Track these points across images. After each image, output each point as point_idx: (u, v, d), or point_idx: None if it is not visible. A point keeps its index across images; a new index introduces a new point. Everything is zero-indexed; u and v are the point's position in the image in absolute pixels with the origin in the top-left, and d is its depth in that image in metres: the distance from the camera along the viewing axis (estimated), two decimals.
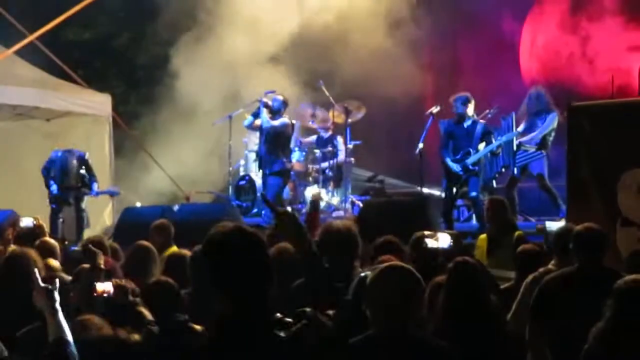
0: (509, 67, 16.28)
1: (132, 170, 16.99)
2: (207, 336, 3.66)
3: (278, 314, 3.23)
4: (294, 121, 13.83)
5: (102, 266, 5.35)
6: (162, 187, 16.37)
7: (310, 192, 14.39)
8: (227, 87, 15.89)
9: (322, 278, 3.63)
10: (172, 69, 16.46)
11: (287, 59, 15.79)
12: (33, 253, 5.90)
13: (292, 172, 13.65)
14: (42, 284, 3.72)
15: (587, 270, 5.71)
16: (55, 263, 6.71)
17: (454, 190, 11.79)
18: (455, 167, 11.61)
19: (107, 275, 5.34)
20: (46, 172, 13.74)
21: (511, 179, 12.35)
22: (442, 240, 6.51)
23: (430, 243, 6.51)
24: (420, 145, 12.34)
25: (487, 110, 12.83)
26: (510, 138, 12.05)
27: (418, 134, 12.76)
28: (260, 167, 13.33)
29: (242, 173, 15.07)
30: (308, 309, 3.27)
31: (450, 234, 6.71)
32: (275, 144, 12.95)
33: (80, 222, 13.79)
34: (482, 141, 11.70)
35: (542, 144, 12.21)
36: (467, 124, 11.78)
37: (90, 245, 5.72)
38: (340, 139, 14.90)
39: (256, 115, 13.27)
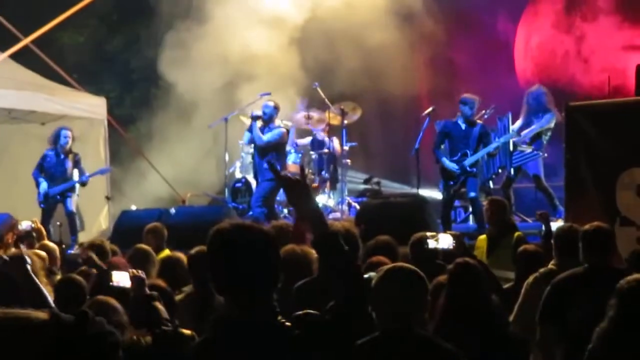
0: (503, 67, 16.30)
1: (128, 174, 16.97)
2: (199, 339, 3.53)
3: (280, 317, 3.16)
4: (289, 125, 13.76)
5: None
6: (158, 190, 16.35)
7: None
8: (223, 88, 15.88)
9: (340, 259, 3.24)
10: (166, 71, 16.44)
11: (282, 57, 15.78)
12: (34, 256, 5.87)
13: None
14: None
15: (597, 269, 5.70)
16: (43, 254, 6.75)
17: (452, 191, 11.79)
18: (452, 166, 11.59)
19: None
20: (38, 171, 13.58)
21: (507, 178, 12.36)
22: (443, 241, 6.50)
23: (431, 244, 6.50)
24: (417, 146, 12.35)
25: (484, 111, 12.84)
26: (508, 140, 12.05)
27: (413, 135, 12.76)
28: (255, 176, 13.25)
29: (238, 175, 15.04)
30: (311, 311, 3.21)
31: (452, 235, 6.69)
32: (269, 153, 12.85)
33: (73, 225, 13.58)
34: (479, 142, 11.67)
35: (536, 142, 12.23)
36: (464, 125, 11.76)
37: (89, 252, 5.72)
38: (336, 141, 14.87)
39: (251, 130, 13.13)
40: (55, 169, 13.56)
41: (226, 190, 14.63)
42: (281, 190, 13.75)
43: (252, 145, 13.36)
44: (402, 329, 3.93)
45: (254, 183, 13.99)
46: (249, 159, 14.60)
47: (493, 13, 16.18)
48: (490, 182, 12.59)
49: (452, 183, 11.73)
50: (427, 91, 16.59)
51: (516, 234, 8.38)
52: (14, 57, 14.56)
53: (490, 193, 12.07)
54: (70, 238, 13.35)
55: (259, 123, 12.97)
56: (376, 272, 4.29)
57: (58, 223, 13.48)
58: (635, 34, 15.16)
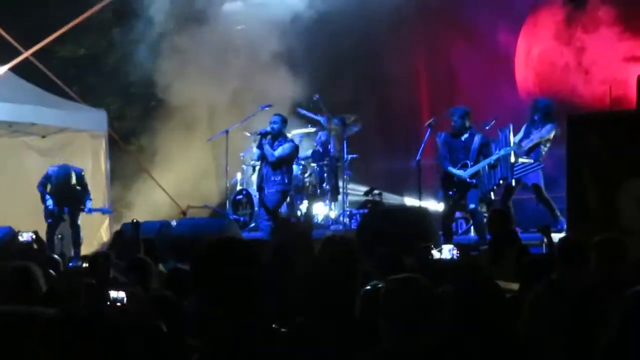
0: (504, 79, 16.29)
1: (129, 186, 16.97)
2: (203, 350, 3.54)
3: (274, 325, 3.16)
4: (298, 137, 13.67)
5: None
6: (159, 202, 16.35)
7: (305, 206, 14.39)
8: (223, 101, 15.90)
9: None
10: (166, 84, 16.46)
11: (282, 65, 15.81)
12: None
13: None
14: None
15: (611, 280, 5.68)
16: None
17: (451, 202, 11.80)
18: (460, 173, 11.62)
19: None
20: (42, 187, 13.81)
21: (506, 189, 12.35)
22: (446, 252, 6.50)
23: (436, 255, 6.49)
24: (419, 157, 12.34)
25: (485, 122, 12.84)
26: (509, 152, 12.03)
27: (414, 146, 12.76)
28: (259, 185, 13.10)
29: (239, 187, 15.04)
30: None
31: (456, 246, 6.69)
32: (279, 166, 12.82)
33: (76, 238, 13.82)
34: (480, 153, 11.68)
35: (534, 152, 12.22)
36: (464, 136, 11.77)
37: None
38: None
39: (261, 147, 12.99)
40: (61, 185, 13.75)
41: (227, 203, 14.63)
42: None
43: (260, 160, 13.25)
44: (411, 342, 3.90)
45: (255, 195, 13.97)
46: (250, 171, 14.60)
47: (493, 24, 16.17)
48: (492, 194, 12.57)
49: (451, 193, 11.75)
50: (428, 103, 16.60)
51: (518, 244, 8.37)
52: (15, 70, 14.58)
53: (492, 204, 12.07)
54: (73, 250, 13.43)
55: (269, 139, 12.86)
56: (382, 283, 4.27)
57: (59, 235, 13.52)
58: (636, 45, 15.15)
